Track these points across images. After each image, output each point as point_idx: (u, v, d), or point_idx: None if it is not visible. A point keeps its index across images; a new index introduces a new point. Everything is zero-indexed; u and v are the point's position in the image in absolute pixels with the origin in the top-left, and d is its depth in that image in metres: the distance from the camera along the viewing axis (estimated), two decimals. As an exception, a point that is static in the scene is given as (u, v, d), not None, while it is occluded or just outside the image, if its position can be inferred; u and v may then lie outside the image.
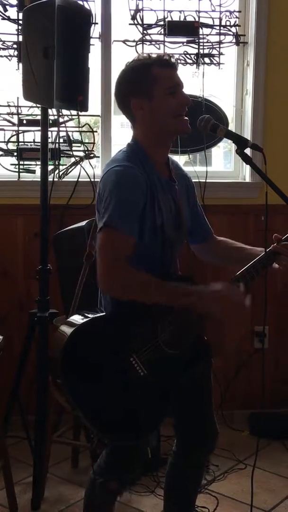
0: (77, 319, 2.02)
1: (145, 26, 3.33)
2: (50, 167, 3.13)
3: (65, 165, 3.38)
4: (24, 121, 3.29)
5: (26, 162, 3.31)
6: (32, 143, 3.30)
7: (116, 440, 2.05)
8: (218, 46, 3.40)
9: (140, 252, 1.98)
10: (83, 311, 2.07)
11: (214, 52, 3.40)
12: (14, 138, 3.31)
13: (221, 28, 3.39)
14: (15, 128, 3.30)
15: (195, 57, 3.38)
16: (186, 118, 2.04)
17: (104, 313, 2.03)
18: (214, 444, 2.26)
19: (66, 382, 1.94)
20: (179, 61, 2.51)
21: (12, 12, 3.19)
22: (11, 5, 3.19)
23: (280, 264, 2.12)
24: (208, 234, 2.31)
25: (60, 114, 3.26)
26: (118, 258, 1.90)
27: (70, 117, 3.32)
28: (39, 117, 2.94)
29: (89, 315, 2.02)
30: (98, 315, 2.03)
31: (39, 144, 2.95)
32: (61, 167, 3.34)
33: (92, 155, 3.37)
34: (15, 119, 3.30)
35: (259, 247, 2.21)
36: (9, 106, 3.29)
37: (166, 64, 2.01)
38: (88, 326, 1.98)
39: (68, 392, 1.95)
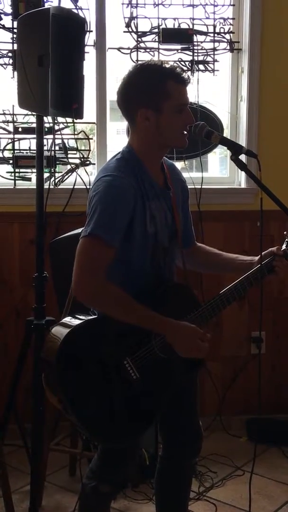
0: (71, 320, 2.04)
1: (139, 33, 3.34)
2: (46, 175, 3.13)
3: (61, 172, 3.38)
4: (20, 129, 3.29)
5: (22, 170, 3.31)
6: (28, 151, 3.31)
7: (106, 442, 2.06)
8: (212, 53, 3.41)
9: (131, 260, 2.00)
10: (76, 313, 2.08)
11: (209, 59, 3.41)
12: (9, 146, 3.32)
13: (215, 35, 3.40)
14: (11, 136, 3.30)
15: (190, 64, 3.39)
16: (186, 133, 2.06)
17: (97, 316, 2.03)
18: (199, 446, 2.26)
19: (61, 382, 1.94)
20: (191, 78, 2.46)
21: (7, 21, 3.20)
22: (6, 14, 3.20)
23: (277, 272, 2.13)
24: (191, 239, 2.32)
25: (56, 121, 3.27)
26: (94, 266, 1.92)
27: (65, 124, 3.33)
28: (34, 125, 2.93)
29: (83, 317, 2.04)
30: (92, 317, 2.03)
31: (34, 151, 2.96)
32: (57, 175, 3.34)
33: (87, 162, 3.38)
34: (10, 127, 3.30)
35: (249, 256, 2.24)
36: (4, 114, 3.29)
37: (181, 80, 2.01)
38: (82, 327, 1.99)
39: (62, 393, 1.94)
